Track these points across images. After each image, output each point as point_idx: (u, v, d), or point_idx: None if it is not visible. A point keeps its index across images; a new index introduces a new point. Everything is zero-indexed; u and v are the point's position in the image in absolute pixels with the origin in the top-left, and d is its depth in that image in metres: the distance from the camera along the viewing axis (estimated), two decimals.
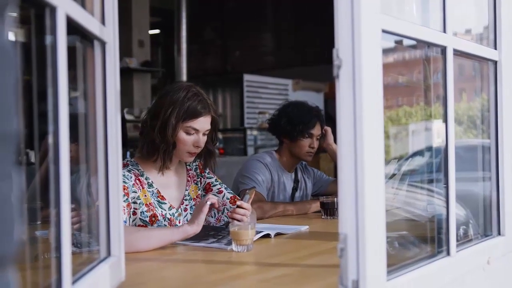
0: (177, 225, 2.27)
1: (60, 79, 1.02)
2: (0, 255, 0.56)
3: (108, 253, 1.39)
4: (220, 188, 2.44)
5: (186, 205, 2.37)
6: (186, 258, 1.82)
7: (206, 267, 1.72)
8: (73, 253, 1.08)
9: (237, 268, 1.73)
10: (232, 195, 2.42)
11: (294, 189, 3.19)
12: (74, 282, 1.11)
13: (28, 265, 1.15)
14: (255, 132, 7.54)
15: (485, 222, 1.89)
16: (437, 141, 1.91)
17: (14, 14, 0.63)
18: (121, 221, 1.44)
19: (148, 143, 2.24)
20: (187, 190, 2.39)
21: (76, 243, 1.34)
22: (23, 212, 0.61)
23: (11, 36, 0.61)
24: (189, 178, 2.42)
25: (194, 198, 2.40)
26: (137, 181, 2.22)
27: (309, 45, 9.34)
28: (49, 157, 1.38)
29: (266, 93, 8.25)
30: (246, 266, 1.75)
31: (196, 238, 2.05)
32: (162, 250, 1.95)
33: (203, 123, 2.24)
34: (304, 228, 2.39)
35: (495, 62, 1.83)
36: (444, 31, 1.53)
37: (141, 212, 2.19)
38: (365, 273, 1.18)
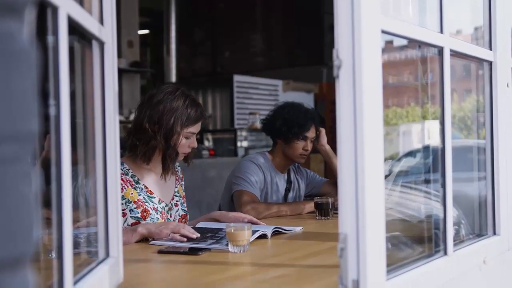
0: (169, 219, 2.37)
1: (61, 79, 1.01)
2: (20, 255, 0.55)
3: (107, 254, 1.38)
4: (181, 201, 2.52)
5: (177, 201, 2.45)
6: (184, 259, 1.82)
7: (204, 268, 1.71)
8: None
9: (234, 269, 1.73)
10: (184, 213, 2.50)
11: (287, 190, 3.19)
12: (74, 283, 1.10)
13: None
14: (245, 133, 7.52)
15: (481, 222, 1.90)
16: (429, 142, 1.93)
17: (33, 14, 0.63)
18: (120, 222, 1.43)
19: (150, 148, 2.28)
20: (176, 187, 2.48)
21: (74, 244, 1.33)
22: (40, 212, 0.60)
23: (30, 37, 0.61)
24: (177, 178, 2.51)
25: (182, 196, 2.50)
26: (121, 180, 2.24)
27: (299, 46, 9.36)
28: (43, 156, 1.37)
29: (256, 93, 8.24)
30: (244, 267, 1.74)
31: (194, 240, 2.05)
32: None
33: (199, 126, 2.38)
34: (299, 229, 2.39)
35: (490, 63, 1.84)
36: (441, 31, 1.54)
37: (130, 210, 2.23)
38: (365, 273, 1.18)
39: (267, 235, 2.16)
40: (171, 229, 2.07)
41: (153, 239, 2.10)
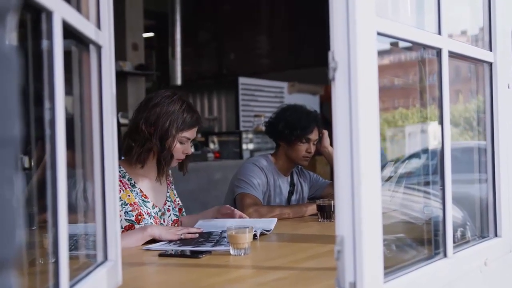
0: (162, 223, 2.40)
1: (56, 84, 1.02)
2: (2, 258, 0.56)
3: (105, 258, 1.39)
4: (173, 206, 2.54)
5: (169, 206, 2.48)
6: (183, 262, 1.82)
7: (204, 271, 1.71)
8: (70, 258, 1.08)
9: (234, 271, 1.73)
10: (176, 218, 2.52)
11: (290, 193, 3.18)
12: (71, 286, 1.10)
13: (25, 270, 1.15)
14: (250, 135, 7.52)
15: (482, 224, 1.89)
16: (434, 143, 1.92)
17: (15, 19, 0.63)
18: (118, 226, 1.43)
19: (145, 150, 2.31)
20: (168, 192, 2.50)
21: (72, 247, 1.34)
22: (24, 216, 0.61)
23: (12, 41, 0.61)
24: (168, 183, 2.54)
25: (174, 201, 2.52)
26: (119, 182, 2.26)
27: (305, 48, 9.35)
28: (44, 161, 1.37)
29: (262, 96, 8.24)
30: (244, 270, 1.74)
31: (189, 244, 2.05)
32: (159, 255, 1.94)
33: (195, 132, 2.41)
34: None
35: (490, 64, 1.83)
36: (439, 33, 1.54)
37: (125, 213, 2.25)
38: (362, 275, 1.18)
39: (256, 236, 2.17)
40: (180, 231, 2.18)
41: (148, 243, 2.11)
